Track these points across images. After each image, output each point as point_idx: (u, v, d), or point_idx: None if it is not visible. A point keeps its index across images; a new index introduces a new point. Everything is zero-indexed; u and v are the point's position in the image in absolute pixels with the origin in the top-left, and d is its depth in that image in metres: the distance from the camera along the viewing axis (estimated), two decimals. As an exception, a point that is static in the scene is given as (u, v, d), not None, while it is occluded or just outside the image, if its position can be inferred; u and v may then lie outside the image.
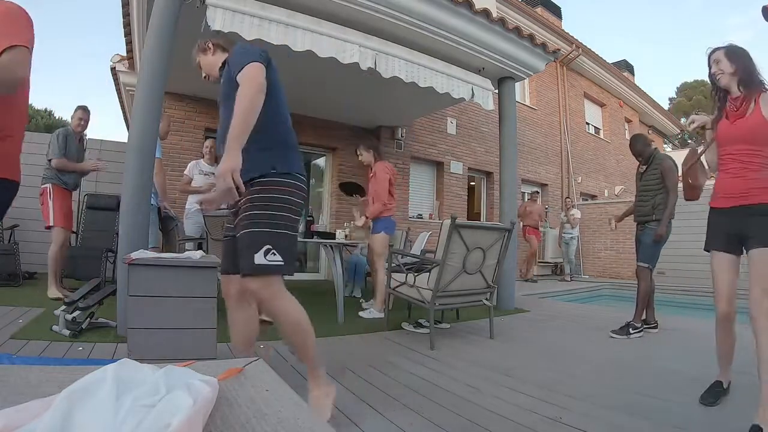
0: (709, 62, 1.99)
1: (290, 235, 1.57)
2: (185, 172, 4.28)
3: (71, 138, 3.88)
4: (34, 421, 0.44)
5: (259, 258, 1.46)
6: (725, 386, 1.98)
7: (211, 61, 1.81)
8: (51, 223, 3.77)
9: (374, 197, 3.86)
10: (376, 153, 4.03)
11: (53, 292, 3.73)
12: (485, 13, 4.21)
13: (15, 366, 0.69)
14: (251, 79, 1.45)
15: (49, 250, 3.80)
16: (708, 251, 2.01)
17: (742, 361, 2.11)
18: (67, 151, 3.80)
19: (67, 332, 2.58)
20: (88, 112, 4.03)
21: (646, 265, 3.44)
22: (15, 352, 2.22)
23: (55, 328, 2.65)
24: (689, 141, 27.42)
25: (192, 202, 4.27)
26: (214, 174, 4.51)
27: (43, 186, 3.81)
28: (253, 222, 1.50)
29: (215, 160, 4.41)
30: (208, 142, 4.48)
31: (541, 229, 8.66)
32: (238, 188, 1.33)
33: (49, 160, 3.77)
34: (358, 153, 4.12)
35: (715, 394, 1.93)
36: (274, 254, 1.49)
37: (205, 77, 1.88)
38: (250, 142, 1.42)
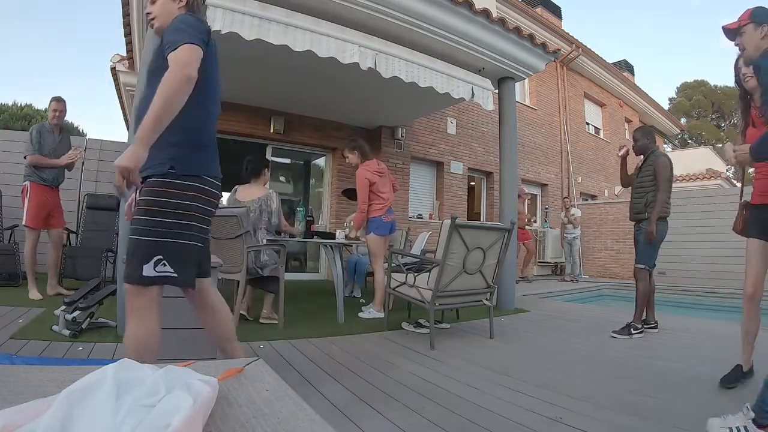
0: (738, 64, 2.03)
1: (188, 244, 1.43)
2: None
3: (46, 133, 3.84)
4: (34, 421, 0.44)
5: (148, 270, 1.35)
6: (745, 370, 2.08)
7: (175, 11, 1.51)
8: (23, 222, 3.78)
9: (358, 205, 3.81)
10: (361, 153, 3.91)
11: (33, 294, 3.72)
12: (485, 13, 4.21)
13: (15, 366, 0.69)
14: (181, 67, 1.29)
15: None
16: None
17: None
18: (41, 147, 3.77)
19: (67, 332, 2.58)
20: (63, 102, 3.97)
21: (642, 266, 3.44)
22: (15, 352, 2.22)
23: (55, 328, 2.65)
24: (689, 141, 27.46)
25: None
26: None
27: (23, 184, 3.82)
28: (145, 229, 1.37)
29: None
30: None
31: (528, 227, 8.51)
32: (129, 187, 1.22)
33: (25, 157, 3.78)
34: (344, 156, 4.06)
35: (734, 377, 2.04)
36: (165, 265, 1.37)
37: (148, 14, 1.57)
38: None
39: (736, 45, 1.87)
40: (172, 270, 1.38)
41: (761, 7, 1.82)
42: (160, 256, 1.36)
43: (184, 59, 1.30)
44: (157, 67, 1.36)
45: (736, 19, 1.86)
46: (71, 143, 4.13)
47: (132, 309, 1.40)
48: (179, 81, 1.27)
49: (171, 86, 1.27)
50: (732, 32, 1.87)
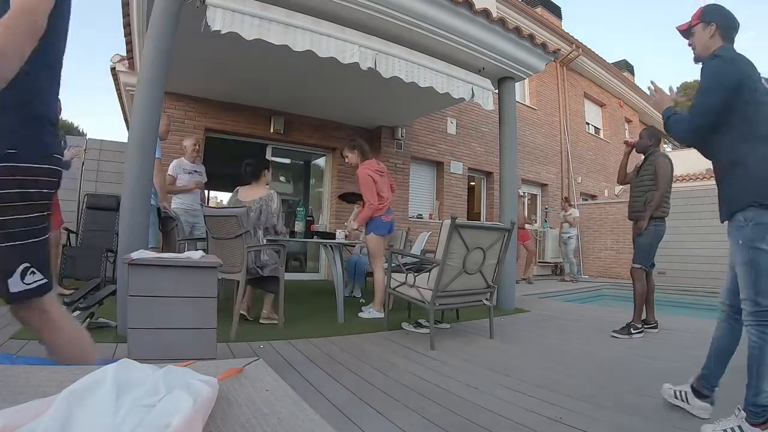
0: None
1: (45, 241, 1.18)
2: (169, 172, 4.29)
3: None
4: (34, 421, 0.44)
5: (15, 284, 1.09)
6: None
7: None
8: None
9: (364, 202, 3.81)
10: (360, 153, 3.90)
11: None
12: (485, 13, 4.21)
13: (15, 366, 0.69)
14: (27, 12, 0.96)
15: None
16: None
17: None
18: None
19: (67, 332, 2.58)
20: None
21: (639, 266, 3.46)
22: (15, 352, 2.22)
23: (55, 328, 2.65)
24: (689, 141, 27.47)
25: (179, 202, 4.29)
26: (197, 171, 4.51)
27: None
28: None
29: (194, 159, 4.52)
30: (187, 142, 4.51)
31: (528, 226, 8.50)
32: None
33: None
34: (344, 156, 4.05)
35: None
36: (34, 273, 1.11)
37: None
38: None
39: (690, 45, 1.86)
40: (42, 277, 1.14)
41: (712, 5, 1.81)
42: (27, 264, 1.10)
43: (30, 4, 0.97)
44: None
45: (689, 19, 1.86)
46: (71, 143, 4.13)
47: (34, 326, 1.18)
48: (22, 28, 0.93)
49: (8, 32, 0.91)
50: (685, 33, 1.87)
